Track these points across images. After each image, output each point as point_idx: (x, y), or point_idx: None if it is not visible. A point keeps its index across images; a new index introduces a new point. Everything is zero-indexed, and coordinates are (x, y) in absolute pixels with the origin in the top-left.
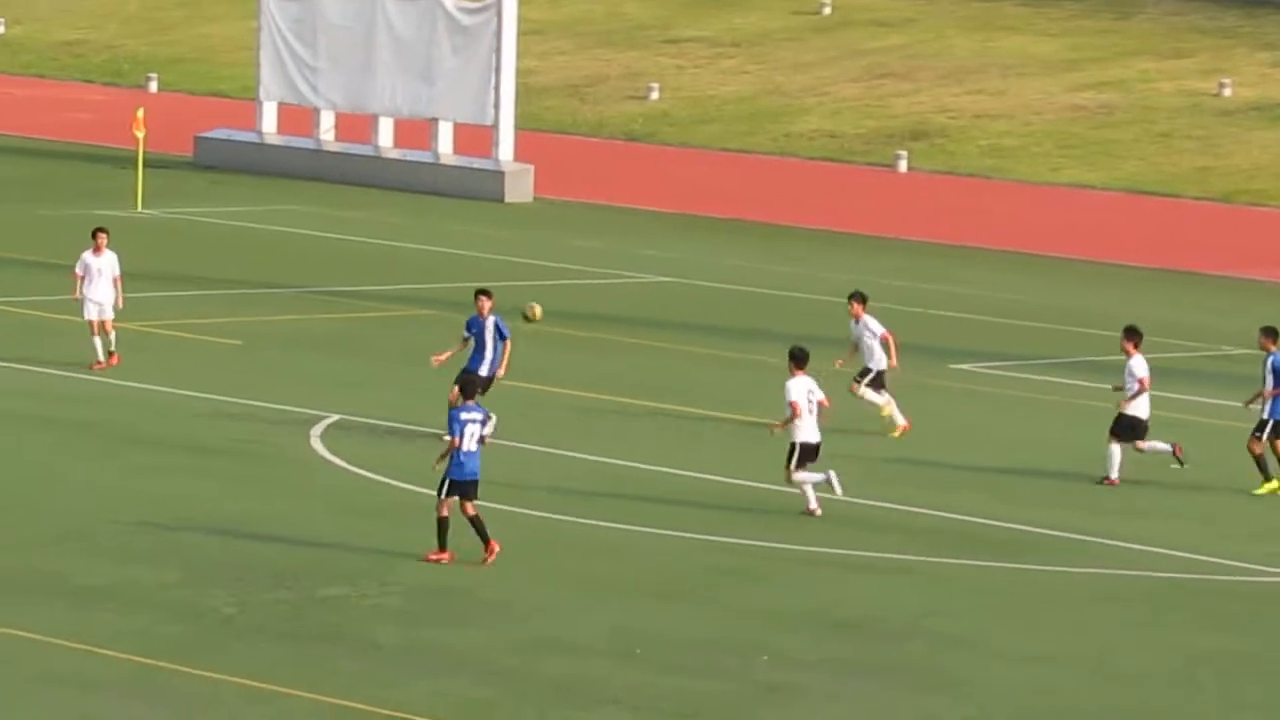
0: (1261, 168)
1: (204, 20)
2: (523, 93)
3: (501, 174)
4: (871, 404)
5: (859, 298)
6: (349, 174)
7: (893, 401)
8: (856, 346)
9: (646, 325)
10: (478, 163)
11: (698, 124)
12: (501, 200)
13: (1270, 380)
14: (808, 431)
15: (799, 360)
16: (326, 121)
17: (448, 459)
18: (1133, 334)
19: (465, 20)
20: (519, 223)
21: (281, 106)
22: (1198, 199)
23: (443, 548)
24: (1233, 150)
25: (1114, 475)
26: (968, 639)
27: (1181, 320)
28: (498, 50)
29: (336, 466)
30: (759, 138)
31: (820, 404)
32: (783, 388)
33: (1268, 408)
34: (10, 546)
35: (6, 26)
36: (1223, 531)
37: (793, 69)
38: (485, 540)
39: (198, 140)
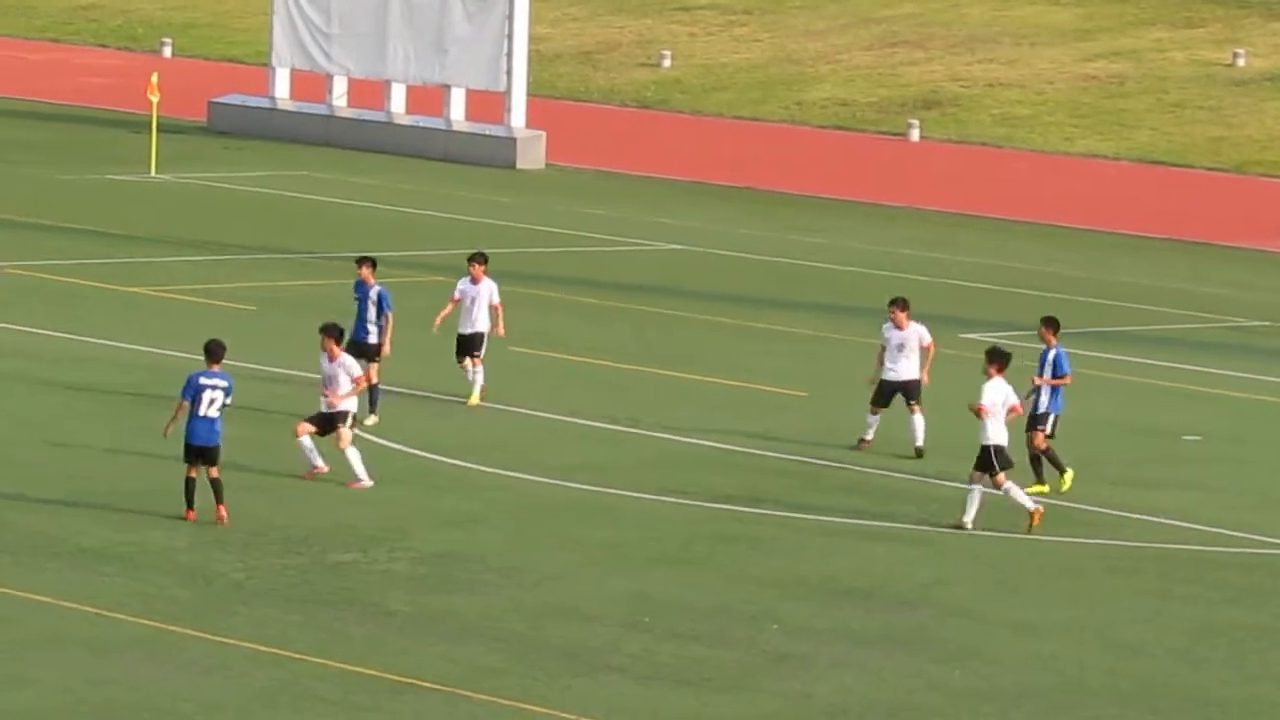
0: (1274, 138)
1: None
2: (535, 59)
3: (514, 140)
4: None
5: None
6: (361, 140)
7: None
8: None
9: (657, 292)
10: (490, 129)
11: (710, 91)
12: (513, 167)
13: (1049, 373)
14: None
15: (340, 336)
16: (339, 87)
17: (179, 421)
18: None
19: None
20: (531, 189)
21: (294, 72)
22: (1210, 169)
23: (189, 507)
24: (1245, 121)
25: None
26: (976, 609)
27: (1194, 291)
28: (510, 16)
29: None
30: (771, 106)
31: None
32: (340, 363)
33: (1044, 402)
34: (21, 509)
35: None
36: (1236, 503)
37: (805, 36)
38: (218, 501)
39: (211, 105)
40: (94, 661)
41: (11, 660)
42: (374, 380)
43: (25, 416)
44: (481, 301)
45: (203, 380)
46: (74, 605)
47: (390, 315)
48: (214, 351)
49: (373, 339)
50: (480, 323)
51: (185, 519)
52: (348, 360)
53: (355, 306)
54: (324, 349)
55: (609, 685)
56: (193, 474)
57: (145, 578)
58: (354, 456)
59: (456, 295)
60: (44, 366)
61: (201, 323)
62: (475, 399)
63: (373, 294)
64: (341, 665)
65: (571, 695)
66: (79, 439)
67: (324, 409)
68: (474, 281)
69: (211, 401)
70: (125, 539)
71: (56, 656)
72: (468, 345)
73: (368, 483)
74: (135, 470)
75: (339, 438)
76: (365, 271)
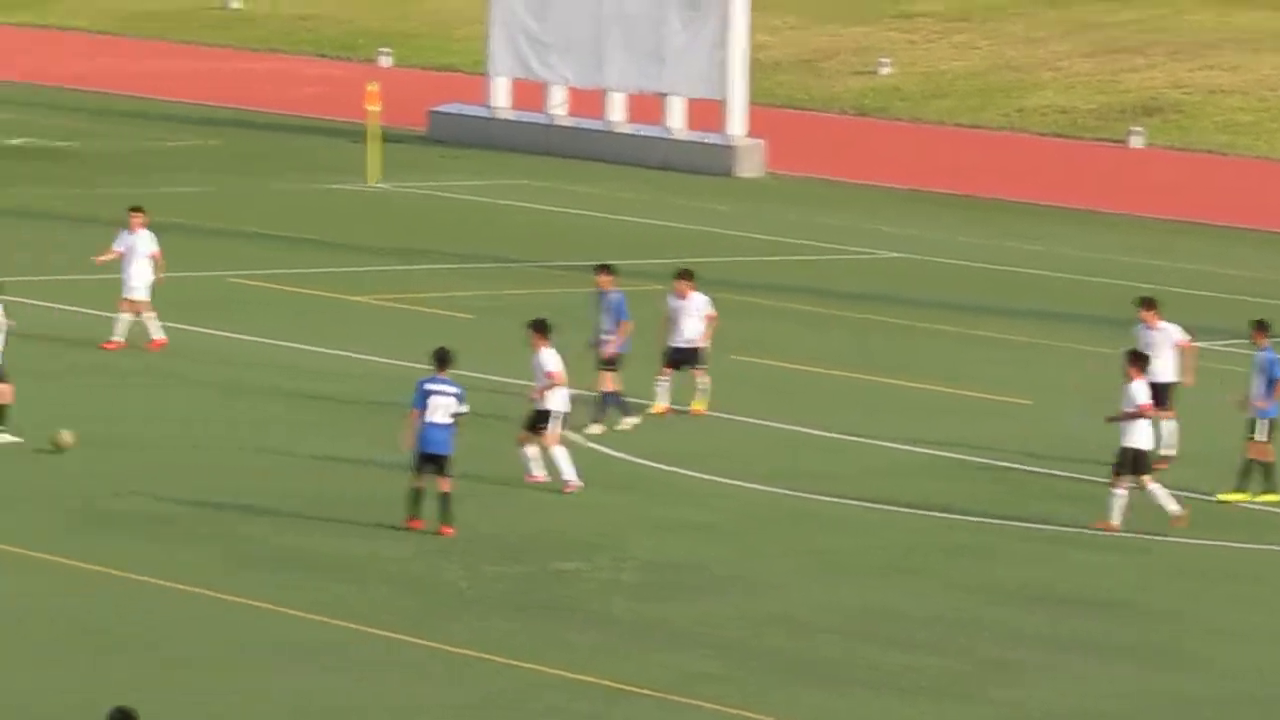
0: None
1: None
2: (754, 67)
3: (733, 149)
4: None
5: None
6: (580, 149)
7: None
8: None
9: (877, 300)
10: (709, 138)
11: (929, 99)
12: (733, 175)
13: (1261, 379)
14: (563, 400)
15: (545, 331)
16: (557, 96)
17: (414, 430)
18: (1262, 326)
19: None
20: (750, 197)
21: (514, 81)
22: None
23: (412, 516)
24: None
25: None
26: (1187, 616)
27: None
28: (728, 25)
29: (571, 440)
30: (990, 113)
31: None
32: (538, 360)
33: (1255, 406)
34: (246, 519)
35: (243, 1)
36: None
37: (1024, 44)
38: (444, 519)
39: (430, 114)
40: (318, 669)
41: (240, 670)
42: (610, 388)
43: (248, 426)
44: (690, 316)
45: (429, 386)
46: (298, 613)
47: (625, 323)
48: (442, 358)
49: (608, 347)
50: (692, 336)
51: (409, 528)
52: (544, 355)
53: (595, 315)
54: (530, 344)
55: (831, 693)
56: (420, 484)
57: (373, 586)
58: (562, 456)
59: (669, 312)
60: (266, 375)
61: (419, 331)
62: (700, 406)
63: (609, 301)
64: (562, 673)
65: (793, 703)
66: (302, 448)
67: (535, 406)
68: (680, 297)
69: (441, 408)
70: (350, 548)
71: (283, 664)
72: (683, 359)
73: (576, 483)
74: (358, 479)
75: (546, 436)
76: (604, 279)
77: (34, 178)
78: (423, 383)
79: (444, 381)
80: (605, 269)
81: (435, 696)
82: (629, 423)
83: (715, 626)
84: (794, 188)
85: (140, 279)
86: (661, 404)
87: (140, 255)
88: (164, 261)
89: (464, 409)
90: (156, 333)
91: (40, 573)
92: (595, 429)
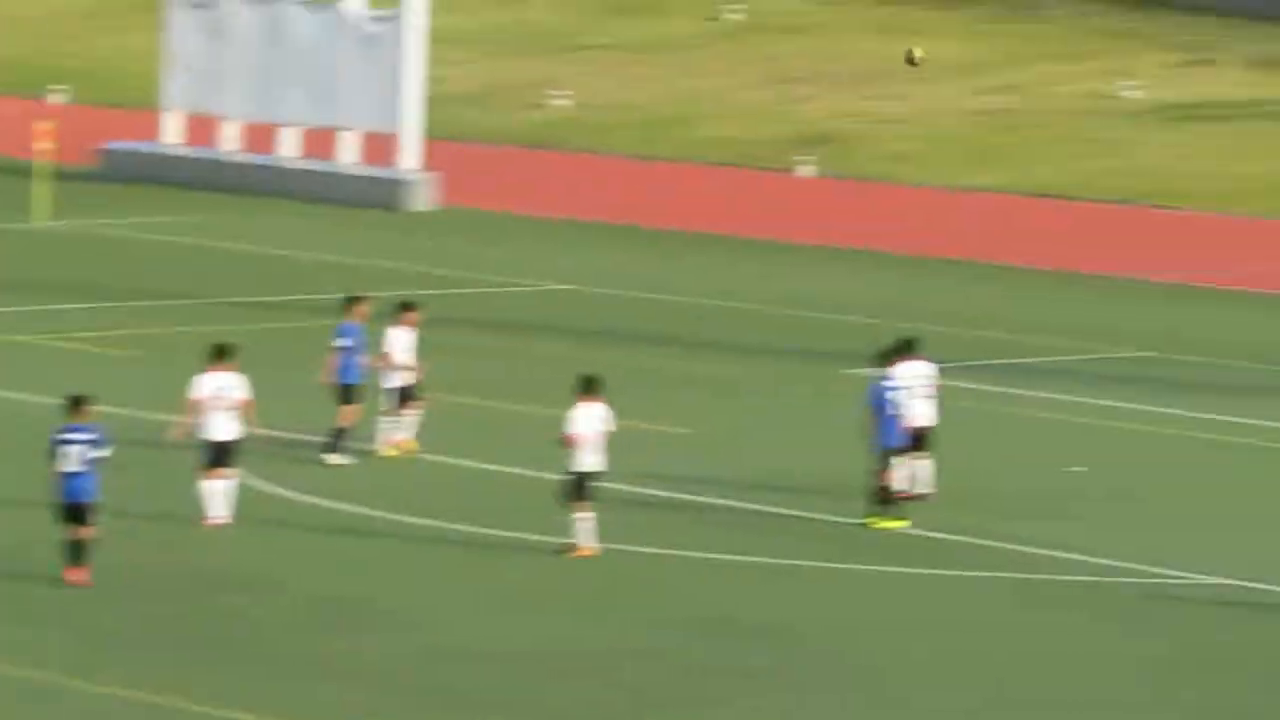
0: (1164, 168)
1: (111, 31)
2: (431, 101)
3: (406, 182)
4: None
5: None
6: (253, 184)
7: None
8: None
9: (541, 331)
10: (382, 171)
11: (606, 131)
12: (406, 208)
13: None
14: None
15: (217, 355)
16: (230, 131)
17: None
18: None
19: (370, 28)
20: (424, 230)
21: (189, 116)
22: (1100, 201)
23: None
24: (1134, 151)
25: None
26: None
27: (1076, 321)
28: (403, 58)
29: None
30: (664, 145)
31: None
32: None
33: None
34: None
35: None
36: (1123, 535)
37: (699, 75)
38: (78, 561)
39: (102, 152)
40: None
41: None
42: (345, 422)
43: None
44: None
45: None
46: None
47: (373, 355)
48: (75, 404)
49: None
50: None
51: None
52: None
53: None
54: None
55: None
56: (71, 535)
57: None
58: (225, 490)
59: (385, 344)
60: None
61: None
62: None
63: (350, 331)
64: (208, 709)
65: None
66: None
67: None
68: (401, 326)
69: (74, 455)
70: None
71: None
72: (407, 394)
73: (223, 518)
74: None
75: (215, 470)
76: (359, 309)
77: None
78: (57, 432)
79: (77, 430)
80: (357, 300)
81: None
82: (335, 460)
83: (369, 661)
84: (468, 220)
85: None
86: (400, 438)
87: None
88: None
89: (104, 453)
90: None
91: None
92: (335, 459)
